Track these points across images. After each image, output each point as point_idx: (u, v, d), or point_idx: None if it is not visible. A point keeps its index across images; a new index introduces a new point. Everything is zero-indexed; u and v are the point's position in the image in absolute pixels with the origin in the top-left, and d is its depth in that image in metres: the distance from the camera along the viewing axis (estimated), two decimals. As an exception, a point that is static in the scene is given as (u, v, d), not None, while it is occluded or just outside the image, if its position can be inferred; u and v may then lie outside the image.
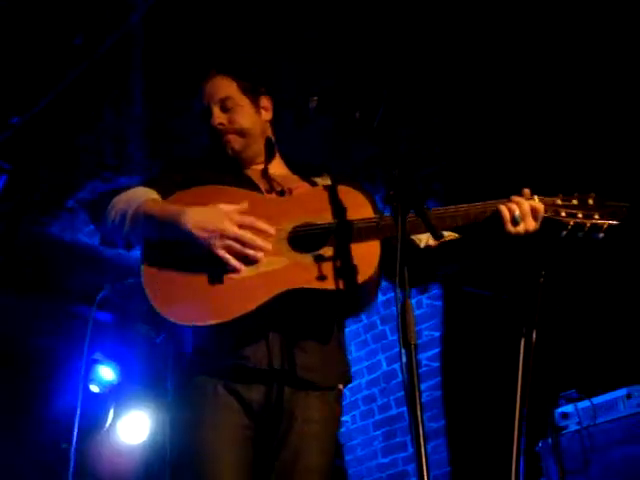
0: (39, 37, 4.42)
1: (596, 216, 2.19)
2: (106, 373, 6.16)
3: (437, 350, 5.52)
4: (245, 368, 2.13)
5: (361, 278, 2.10)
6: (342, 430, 6.14)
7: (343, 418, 6.04)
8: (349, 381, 2.34)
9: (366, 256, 2.13)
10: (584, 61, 4.48)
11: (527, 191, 2.25)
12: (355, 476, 6.01)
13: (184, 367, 2.21)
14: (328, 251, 2.14)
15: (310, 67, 4.77)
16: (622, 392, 3.93)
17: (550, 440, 4.02)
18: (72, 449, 3.96)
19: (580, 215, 2.19)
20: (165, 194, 2.29)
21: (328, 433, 2.24)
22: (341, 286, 2.09)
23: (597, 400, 4.00)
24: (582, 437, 3.93)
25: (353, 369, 6.31)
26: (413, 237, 2.32)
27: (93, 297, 4.30)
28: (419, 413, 1.69)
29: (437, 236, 2.04)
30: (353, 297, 2.15)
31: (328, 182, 2.39)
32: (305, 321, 2.19)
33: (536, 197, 2.23)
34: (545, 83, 4.65)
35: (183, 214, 2.14)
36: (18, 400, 6.01)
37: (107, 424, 6.02)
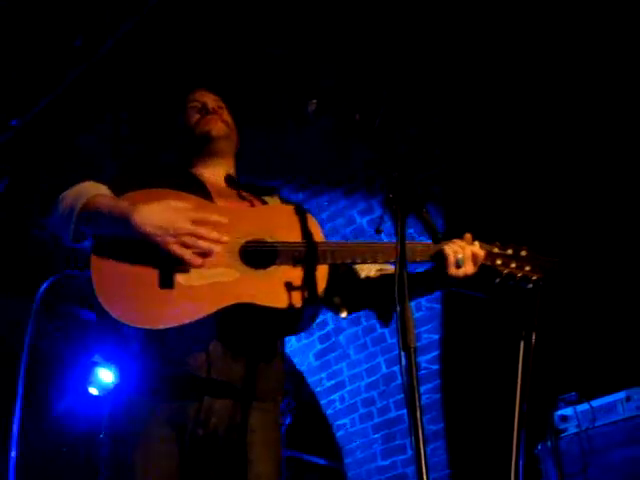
0: (39, 39, 4.42)
1: (527, 268, 2.31)
2: (105, 375, 6.16)
3: (436, 353, 5.52)
4: (184, 377, 2.11)
5: (307, 300, 2.15)
6: (341, 433, 6.14)
7: (342, 421, 6.09)
8: (285, 394, 2.35)
9: (315, 279, 2.18)
10: (584, 61, 4.48)
11: (469, 236, 2.33)
12: (354, 479, 6.01)
13: (126, 376, 2.19)
14: (278, 270, 2.17)
15: (310, 69, 4.78)
16: (621, 395, 3.94)
17: (549, 443, 4.03)
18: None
19: (513, 265, 2.30)
20: (117, 192, 2.26)
21: (272, 440, 2.23)
22: (286, 305, 2.13)
23: (596, 403, 4.00)
24: (581, 440, 3.94)
25: (352, 372, 6.34)
26: (356, 267, 2.42)
27: (71, 272, 4.17)
28: (418, 416, 1.69)
29: (437, 239, 2.05)
30: (296, 317, 2.20)
31: (277, 201, 2.48)
32: (247, 334, 2.19)
33: (477, 243, 2.31)
34: (545, 84, 4.65)
35: (135, 211, 2.11)
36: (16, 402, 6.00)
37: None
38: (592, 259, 4.60)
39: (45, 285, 4.01)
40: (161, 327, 2.06)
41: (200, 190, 2.35)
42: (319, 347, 6.16)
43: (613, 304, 4.58)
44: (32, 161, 5.37)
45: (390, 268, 2.39)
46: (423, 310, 5.55)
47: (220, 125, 2.53)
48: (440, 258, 2.26)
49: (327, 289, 2.22)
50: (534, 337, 2.38)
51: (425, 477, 1.65)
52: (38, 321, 4.02)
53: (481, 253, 2.27)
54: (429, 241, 2.26)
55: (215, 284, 2.12)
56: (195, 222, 2.14)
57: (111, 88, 4.87)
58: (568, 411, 4.08)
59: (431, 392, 5.50)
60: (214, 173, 2.49)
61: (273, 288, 2.14)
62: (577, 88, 4.59)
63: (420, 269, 2.37)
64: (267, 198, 2.48)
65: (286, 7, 4.49)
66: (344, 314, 2.43)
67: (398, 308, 1.82)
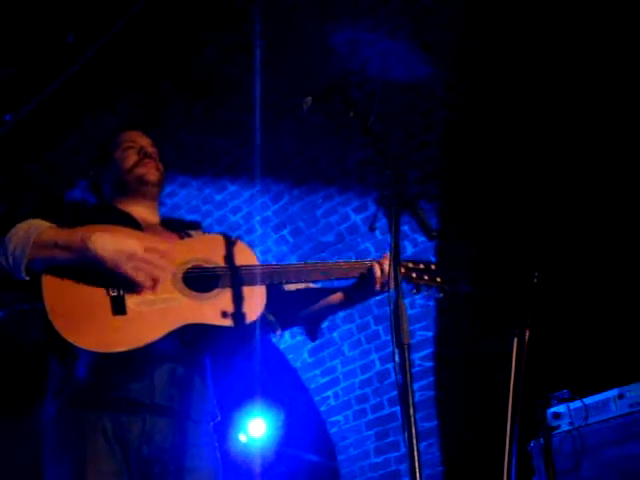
0: (33, 35, 4.41)
1: (438, 279, 2.53)
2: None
3: (430, 350, 5.52)
4: (127, 400, 2.19)
5: (249, 318, 2.29)
6: (334, 430, 6.14)
7: (335, 418, 6.10)
8: (216, 415, 2.46)
9: (254, 298, 2.33)
10: (583, 59, 4.49)
11: (387, 254, 2.44)
12: (347, 476, 6.02)
13: (67, 393, 2.22)
14: (220, 292, 2.31)
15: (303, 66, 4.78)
16: (614, 392, 3.94)
17: (542, 440, 4.03)
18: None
19: (426, 277, 2.52)
20: (60, 226, 2.31)
21: (209, 464, 2.32)
22: (232, 323, 2.26)
23: (589, 400, 4.01)
24: (574, 437, 3.94)
25: (346, 368, 6.34)
26: (285, 287, 2.58)
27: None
28: (412, 413, 1.70)
29: (431, 236, 2.07)
30: (239, 334, 2.33)
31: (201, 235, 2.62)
32: (188, 359, 2.32)
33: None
34: (541, 81, 4.66)
35: (91, 236, 2.20)
36: (19, 397, 6.00)
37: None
38: (585, 256, 4.61)
39: None
40: (113, 351, 2.14)
41: (134, 226, 2.45)
42: (313, 344, 6.16)
43: (607, 301, 4.60)
44: (24, 158, 5.36)
45: (312, 285, 2.60)
46: (417, 307, 5.55)
47: (156, 172, 2.60)
48: (368, 276, 2.47)
49: (268, 307, 2.38)
50: (527, 334, 2.39)
51: (418, 474, 1.66)
52: None
53: (402, 271, 2.40)
54: (424, 239, 2.34)
55: (164, 309, 2.24)
56: (147, 249, 2.24)
57: (105, 84, 4.86)
58: (561, 408, 4.09)
59: (425, 389, 5.51)
60: (141, 212, 2.57)
61: (217, 309, 2.27)
62: (575, 85, 4.59)
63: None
64: (192, 232, 2.62)
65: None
66: (278, 331, 2.60)
67: (392, 305, 1.83)
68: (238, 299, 2.30)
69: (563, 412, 4.07)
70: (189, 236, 2.57)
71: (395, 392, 5.54)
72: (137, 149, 2.61)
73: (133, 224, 2.45)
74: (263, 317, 2.44)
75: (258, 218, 5.96)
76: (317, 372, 6.23)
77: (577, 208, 4.77)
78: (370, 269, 2.45)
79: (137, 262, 2.20)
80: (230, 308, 2.27)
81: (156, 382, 2.23)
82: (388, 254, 2.39)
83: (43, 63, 4.54)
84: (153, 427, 2.20)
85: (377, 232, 5.52)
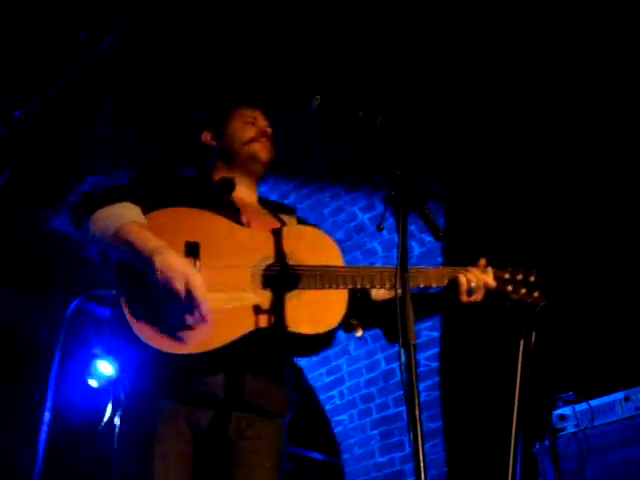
0: (42, 31, 4.42)
1: (535, 294, 2.41)
2: (105, 368, 6.16)
3: (436, 350, 5.52)
4: (203, 394, 2.17)
5: (327, 325, 2.21)
6: (339, 429, 6.15)
7: (340, 417, 6.09)
8: (294, 411, 2.42)
9: (335, 304, 2.25)
10: (583, 61, 4.48)
11: (483, 262, 2.43)
12: (352, 475, 6.02)
13: (145, 379, 2.22)
14: (300, 294, 2.21)
15: (313, 65, 4.78)
16: (620, 395, 3.94)
17: (547, 442, 4.03)
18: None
19: (523, 291, 2.41)
20: (146, 209, 2.29)
21: (278, 458, 2.30)
22: (308, 331, 2.19)
23: (595, 402, 4.00)
24: (579, 439, 3.94)
25: (352, 368, 6.32)
26: (372, 292, 2.50)
27: (95, 292, 4.26)
28: (417, 413, 1.70)
29: (438, 236, 2.06)
30: (316, 341, 2.26)
31: (294, 222, 2.55)
32: (265, 355, 2.27)
33: (490, 269, 2.40)
34: (545, 82, 4.65)
35: (158, 254, 2.11)
36: (16, 396, 6.01)
37: (105, 418, 6.02)
38: (591, 258, 4.60)
39: (73, 305, 4.06)
40: (182, 352, 2.10)
41: (227, 207, 2.40)
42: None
43: (612, 303, 4.58)
44: (34, 153, 5.37)
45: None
46: (423, 307, 5.54)
47: (268, 153, 2.63)
48: (453, 285, 2.34)
49: (348, 313, 2.28)
50: (534, 336, 2.39)
51: (423, 474, 1.66)
52: (66, 338, 4.07)
53: (493, 284, 2.37)
54: (431, 240, 2.31)
55: (238, 308, 2.16)
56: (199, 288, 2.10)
57: (113, 81, 4.87)
58: (567, 410, 4.08)
59: (430, 389, 5.50)
60: (240, 189, 2.55)
61: (296, 313, 2.18)
62: (576, 86, 4.58)
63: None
64: (285, 217, 2.55)
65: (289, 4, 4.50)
66: (359, 333, 2.49)
67: (398, 305, 1.83)
68: (318, 303, 2.22)
69: (569, 414, 4.06)
70: (281, 221, 2.49)
71: (400, 392, 5.53)
72: (257, 127, 2.64)
73: (228, 205, 2.41)
74: (346, 321, 2.38)
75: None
76: (322, 371, 6.23)
77: (583, 209, 4.76)
78: (456, 279, 2.34)
79: (184, 294, 2.07)
80: (308, 313, 2.19)
81: (230, 377, 2.19)
82: (483, 261, 2.40)
83: (53, 58, 4.55)
84: (224, 419, 2.18)
85: (384, 231, 5.52)
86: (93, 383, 6.13)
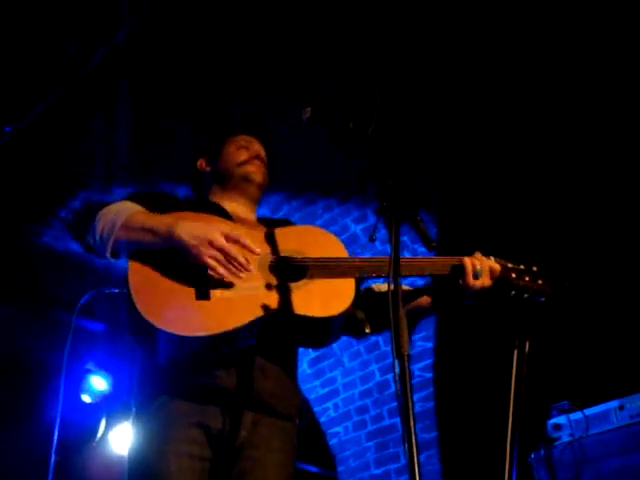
0: (33, 45, 4.42)
1: (540, 281, 2.46)
2: (98, 383, 6.13)
3: (430, 361, 5.52)
4: (213, 388, 2.19)
5: (336, 309, 2.25)
6: (334, 441, 6.13)
7: (335, 429, 6.08)
8: (302, 415, 2.43)
9: (343, 291, 2.29)
10: (579, 68, 4.49)
11: (479, 254, 2.44)
12: (347, 487, 6.00)
13: (153, 382, 2.25)
14: (308, 283, 2.28)
15: (304, 77, 4.79)
16: (614, 404, 3.94)
17: (542, 451, 4.02)
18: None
19: (527, 279, 2.44)
20: (151, 211, 2.36)
21: (289, 462, 2.32)
22: (319, 314, 2.23)
23: (589, 411, 4.00)
24: (574, 448, 3.93)
25: (346, 380, 6.32)
26: (372, 286, 2.56)
27: (87, 307, 4.28)
28: (412, 424, 1.69)
29: (431, 247, 2.06)
30: (327, 328, 2.30)
31: None
32: (274, 350, 2.30)
33: (492, 258, 2.44)
34: (538, 92, 4.67)
35: (177, 222, 2.22)
36: (8, 410, 5.98)
37: (99, 434, 5.99)
38: (584, 266, 4.61)
39: (82, 301, 4.06)
40: (193, 335, 2.13)
41: (225, 217, 2.47)
42: (313, 355, 6.15)
43: (606, 312, 4.59)
44: (24, 169, 5.36)
45: (406, 287, 2.49)
46: (417, 318, 5.54)
47: (261, 175, 2.68)
48: (459, 269, 2.37)
49: (353, 303, 2.31)
50: (528, 346, 2.39)
51: (418, 486, 1.65)
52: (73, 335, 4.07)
53: (497, 267, 2.40)
54: (424, 250, 2.31)
55: (249, 296, 2.21)
56: (228, 239, 2.22)
57: (105, 95, 4.87)
58: (561, 420, 4.08)
59: (424, 400, 5.50)
60: (236, 208, 2.61)
61: (305, 299, 2.23)
62: (572, 97, 4.60)
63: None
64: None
65: (281, 12, 4.50)
66: (368, 329, 2.51)
67: (392, 315, 1.83)
68: (326, 290, 2.27)
69: (564, 423, 4.06)
70: None
71: (395, 403, 5.53)
72: (250, 151, 2.70)
73: (224, 215, 2.48)
74: (353, 316, 2.43)
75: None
76: (317, 383, 6.22)
77: (577, 221, 4.77)
78: (461, 262, 2.38)
79: (214, 252, 2.18)
80: (317, 299, 2.24)
81: (241, 371, 2.21)
82: (479, 254, 2.41)
83: (43, 74, 4.55)
84: (236, 417, 2.19)
85: (377, 243, 5.52)
86: (86, 399, 6.10)
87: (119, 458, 6.01)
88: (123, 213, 2.28)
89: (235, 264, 2.20)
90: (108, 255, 2.25)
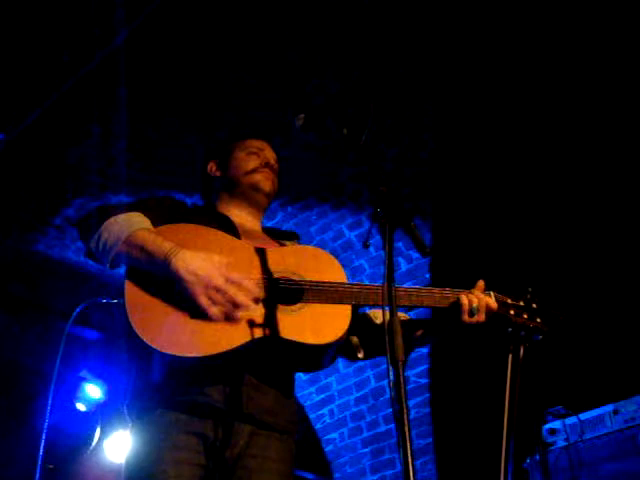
0: (26, 54, 4.42)
1: (538, 319, 2.45)
2: (93, 391, 6.12)
3: (425, 367, 5.52)
4: (208, 407, 2.17)
5: (329, 337, 2.23)
6: (330, 448, 6.12)
7: (331, 435, 6.07)
8: (298, 432, 2.41)
9: (338, 318, 2.27)
10: (578, 72, 4.51)
11: (482, 284, 2.44)
12: (343, 494, 5.99)
13: (147, 397, 2.23)
14: (304, 307, 2.26)
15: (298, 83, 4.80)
16: (609, 408, 3.94)
17: (538, 456, 4.02)
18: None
19: (525, 316, 2.44)
20: (154, 223, 2.33)
21: (288, 471, 2.29)
22: (311, 341, 2.21)
23: (584, 416, 4.01)
24: (569, 453, 3.94)
25: (341, 386, 6.30)
26: (369, 312, 2.54)
27: (82, 315, 4.27)
28: (407, 430, 1.69)
29: (425, 253, 2.07)
30: (319, 353, 2.28)
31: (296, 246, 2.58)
32: (270, 368, 2.28)
33: (492, 293, 2.44)
34: (534, 95, 4.68)
35: (176, 253, 2.18)
36: (4, 418, 5.96)
37: (94, 442, 5.97)
38: (578, 272, 4.62)
39: (77, 311, 4.05)
40: (185, 355, 2.12)
41: (229, 229, 2.43)
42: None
43: (600, 318, 4.60)
44: (19, 176, 5.35)
45: (403, 315, 2.50)
46: (411, 324, 5.54)
47: (271, 184, 2.65)
48: (456, 305, 2.36)
49: (349, 329, 2.29)
50: (522, 351, 2.39)
51: (414, 491, 1.65)
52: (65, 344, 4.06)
53: (495, 305, 2.40)
54: (418, 256, 2.31)
55: (244, 318, 2.17)
56: (229, 280, 2.17)
57: (99, 103, 4.87)
58: (556, 424, 4.09)
59: (420, 406, 5.49)
60: (242, 218, 2.58)
61: (298, 324, 2.21)
62: (568, 102, 4.61)
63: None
64: (287, 243, 2.59)
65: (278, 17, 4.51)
66: (361, 354, 2.51)
67: (387, 321, 1.83)
68: (320, 317, 2.24)
69: (559, 428, 4.06)
70: (283, 246, 2.53)
71: (390, 409, 5.52)
72: (261, 158, 2.66)
73: (230, 229, 2.43)
74: (347, 340, 2.40)
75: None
76: (312, 389, 6.21)
77: (570, 226, 4.79)
78: (458, 299, 2.36)
79: (214, 294, 2.14)
80: (310, 325, 2.22)
81: (233, 389, 2.19)
82: (481, 283, 2.42)
83: (37, 82, 4.55)
84: (230, 432, 2.17)
85: (371, 249, 5.53)
86: (81, 407, 6.08)
87: (114, 466, 6.00)
88: (128, 228, 2.25)
89: (229, 306, 2.15)
90: (108, 265, 2.25)
